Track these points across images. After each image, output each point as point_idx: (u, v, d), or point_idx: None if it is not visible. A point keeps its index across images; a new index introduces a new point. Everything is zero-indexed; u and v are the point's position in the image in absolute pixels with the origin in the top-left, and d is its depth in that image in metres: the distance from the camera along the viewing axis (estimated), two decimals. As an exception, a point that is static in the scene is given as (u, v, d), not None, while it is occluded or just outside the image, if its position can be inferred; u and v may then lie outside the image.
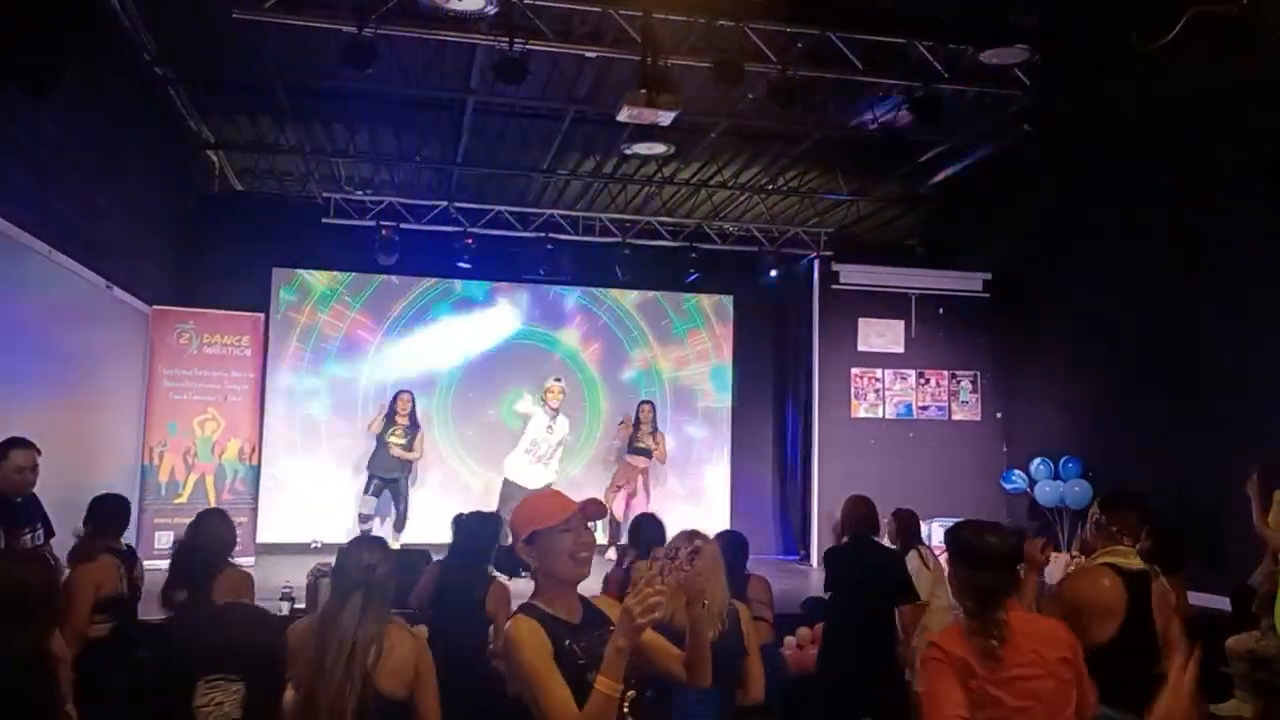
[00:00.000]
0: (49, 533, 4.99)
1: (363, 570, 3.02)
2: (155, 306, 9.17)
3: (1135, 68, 6.92)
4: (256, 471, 9.84)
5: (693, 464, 11.62)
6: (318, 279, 10.95)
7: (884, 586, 5.18)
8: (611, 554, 10.40)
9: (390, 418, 9.91)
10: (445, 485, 10.77)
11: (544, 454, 9.86)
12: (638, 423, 10.57)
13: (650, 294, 11.77)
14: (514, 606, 3.28)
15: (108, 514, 4.81)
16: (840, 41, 7.18)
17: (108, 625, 4.39)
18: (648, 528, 5.24)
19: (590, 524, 2.58)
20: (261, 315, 10.14)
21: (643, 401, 10.77)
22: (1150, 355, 8.93)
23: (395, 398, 10.04)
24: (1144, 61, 6.35)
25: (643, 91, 6.41)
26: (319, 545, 9.51)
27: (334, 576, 3.08)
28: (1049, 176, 9.81)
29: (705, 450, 11.74)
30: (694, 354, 11.89)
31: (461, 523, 5.04)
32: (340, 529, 9.63)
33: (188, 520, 9.38)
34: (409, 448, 9.86)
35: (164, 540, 8.92)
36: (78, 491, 5.58)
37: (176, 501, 9.09)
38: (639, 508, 10.39)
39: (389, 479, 9.80)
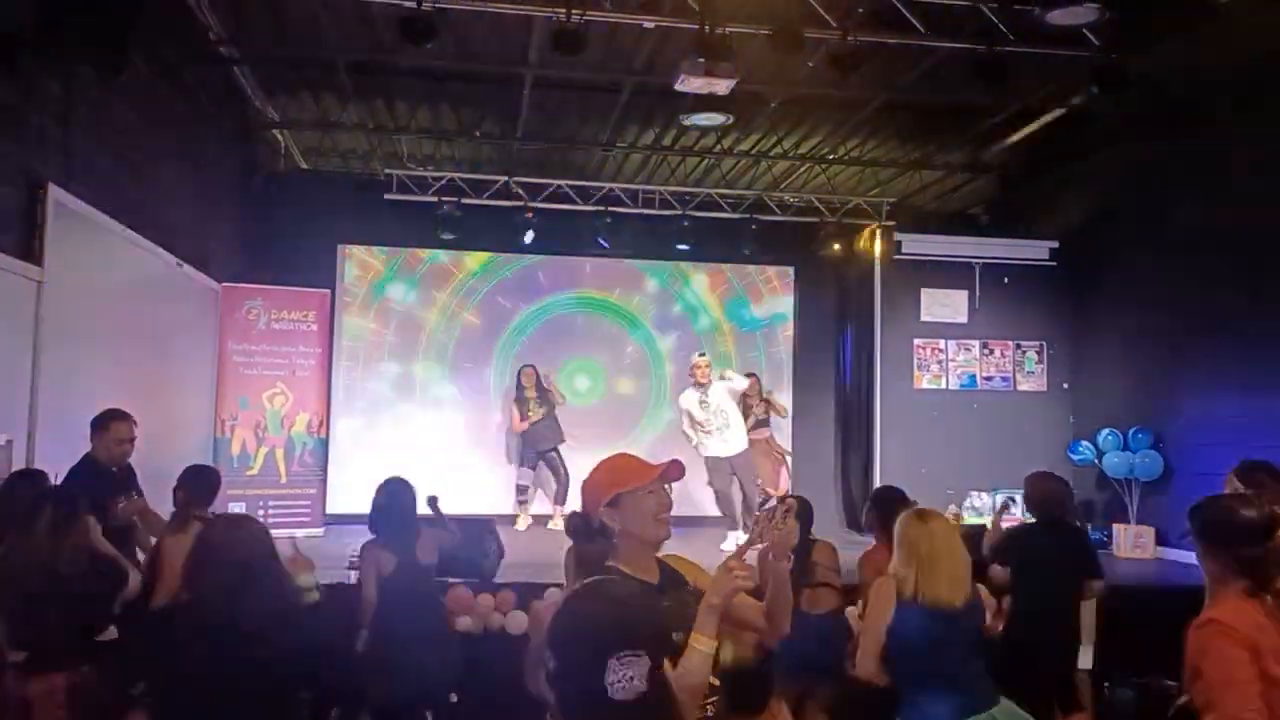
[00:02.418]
0: None
1: (586, 519, 3.09)
2: (224, 284, 9.36)
3: (1211, 24, 6.70)
4: (324, 444, 10.05)
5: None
6: (382, 254, 11.13)
7: (1076, 569, 5.22)
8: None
9: (522, 397, 10.09)
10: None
11: (716, 427, 9.07)
12: (745, 398, 10.35)
13: (713, 266, 11.77)
14: None
15: (199, 484, 5.00)
16: (901, 5, 7.05)
17: None
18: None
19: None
20: (328, 291, 10.32)
21: (746, 374, 10.64)
22: (1223, 324, 8.67)
23: (519, 374, 10.24)
24: (1220, 17, 6.14)
25: (701, 60, 6.37)
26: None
27: (570, 533, 3.19)
28: (1118, 141, 9.54)
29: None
30: (757, 326, 11.85)
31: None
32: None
33: (259, 492, 9.73)
34: (542, 408, 10.02)
35: (237, 511, 9.19)
36: (156, 464, 5.77)
37: (248, 474, 9.32)
38: (784, 478, 10.35)
39: (543, 451, 9.98)
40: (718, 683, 2.46)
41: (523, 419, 9.99)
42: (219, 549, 2.86)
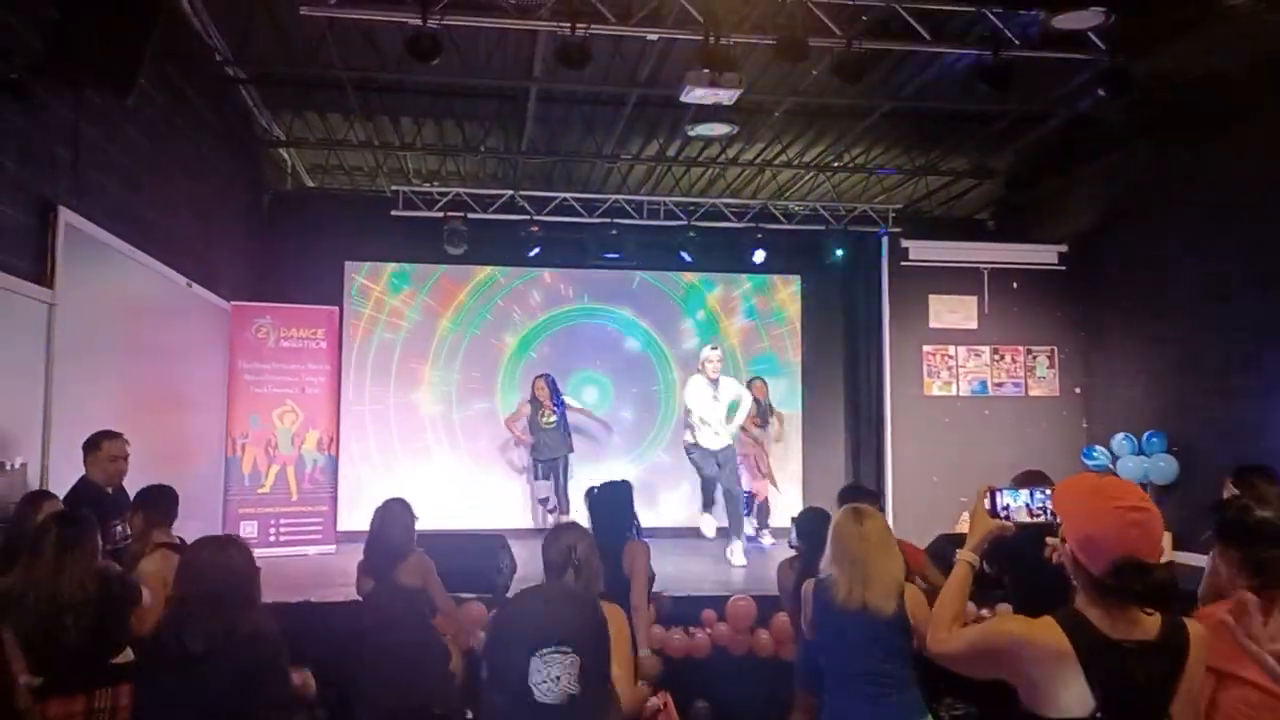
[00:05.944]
0: None
1: (565, 553, 3.24)
2: (233, 302, 9.38)
3: (1216, 25, 6.69)
4: (334, 461, 10.04)
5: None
6: (389, 271, 11.15)
7: None
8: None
9: (537, 403, 10.15)
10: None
11: (716, 421, 9.08)
12: (755, 401, 10.20)
13: (720, 275, 11.76)
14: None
15: (160, 504, 4.82)
16: (906, 11, 7.05)
17: None
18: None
19: None
20: (336, 309, 10.34)
21: (752, 379, 10.61)
22: (1235, 326, 8.63)
23: (534, 383, 10.29)
24: (1225, 18, 6.12)
25: (705, 71, 6.37)
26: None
27: (544, 565, 3.30)
28: (1125, 143, 9.51)
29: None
30: (765, 335, 11.82)
31: (595, 495, 5.30)
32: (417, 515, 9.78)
33: (271, 510, 9.70)
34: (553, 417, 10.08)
35: (249, 530, 9.17)
36: (170, 483, 5.74)
37: (260, 492, 9.32)
38: (760, 490, 10.38)
39: (550, 459, 10.03)
40: None
41: (531, 429, 10.06)
42: (190, 578, 2.96)
